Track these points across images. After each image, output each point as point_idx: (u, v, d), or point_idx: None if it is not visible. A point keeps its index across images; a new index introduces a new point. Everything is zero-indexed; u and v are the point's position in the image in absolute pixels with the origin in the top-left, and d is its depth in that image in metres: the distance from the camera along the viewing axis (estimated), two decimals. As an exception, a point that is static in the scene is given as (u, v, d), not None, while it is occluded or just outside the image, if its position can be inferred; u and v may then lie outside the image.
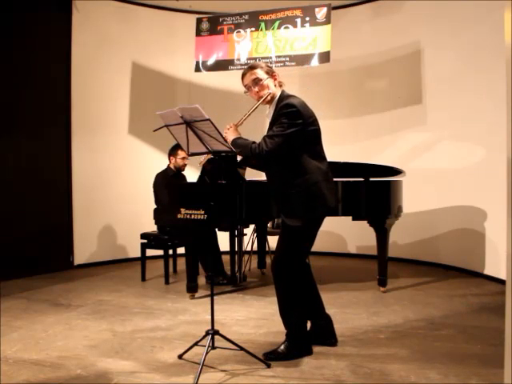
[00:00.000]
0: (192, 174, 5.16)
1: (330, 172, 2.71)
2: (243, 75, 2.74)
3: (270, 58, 5.19)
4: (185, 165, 4.86)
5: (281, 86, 2.74)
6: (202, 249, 4.40)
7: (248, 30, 5.35)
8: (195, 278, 4.09)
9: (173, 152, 4.79)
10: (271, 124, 2.66)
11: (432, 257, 5.45)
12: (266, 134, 2.65)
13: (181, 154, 4.70)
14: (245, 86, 2.75)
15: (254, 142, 2.63)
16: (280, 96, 2.68)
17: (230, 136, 2.69)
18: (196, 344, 2.63)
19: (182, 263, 4.62)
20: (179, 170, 4.87)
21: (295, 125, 2.55)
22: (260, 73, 2.68)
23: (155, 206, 4.72)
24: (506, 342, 1.68)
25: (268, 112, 2.75)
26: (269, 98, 2.67)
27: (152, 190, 4.84)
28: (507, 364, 1.69)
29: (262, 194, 3.83)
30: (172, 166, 4.84)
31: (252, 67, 2.72)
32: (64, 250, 5.47)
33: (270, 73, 2.71)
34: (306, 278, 2.78)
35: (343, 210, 3.97)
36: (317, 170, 2.62)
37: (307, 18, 5.13)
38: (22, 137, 5.01)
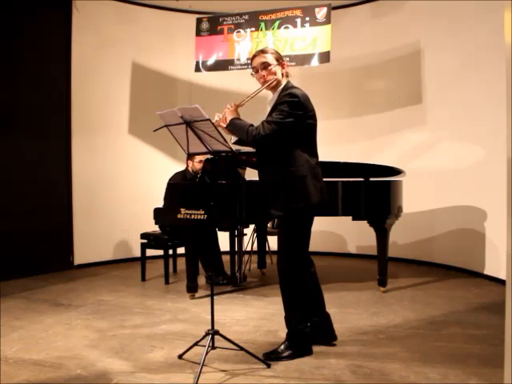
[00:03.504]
0: (192, 174, 5.17)
1: (319, 169, 2.72)
2: (253, 57, 2.77)
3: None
4: None
5: (287, 76, 2.77)
6: (202, 249, 4.40)
7: (248, 30, 5.36)
8: (195, 278, 4.09)
9: (190, 156, 4.77)
10: (271, 111, 2.69)
11: (432, 257, 5.45)
12: (264, 119, 2.67)
13: (197, 157, 4.70)
14: (253, 68, 2.78)
15: (251, 125, 2.65)
16: (285, 86, 2.70)
17: (229, 115, 2.73)
18: (196, 344, 2.63)
19: (182, 263, 4.62)
20: (197, 174, 4.84)
21: (294, 115, 2.58)
22: (270, 58, 2.71)
23: (155, 206, 4.71)
24: (506, 342, 1.68)
25: (271, 99, 2.77)
26: (274, 83, 2.70)
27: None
28: (507, 364, 1.69)
29: (262, 194, 3.82)
30: (190, 170, 4.83)
31: (263, 51, 2.76)
32: (64, 250, 5.46)
33: (280, 60, 2.74)
34: (308, 275, 2.78)
35: (343, 210, 3.96)
36: (306, 163, 2.63)
37: (307, 18, 5.13)
38: (21, 137, 5.00)
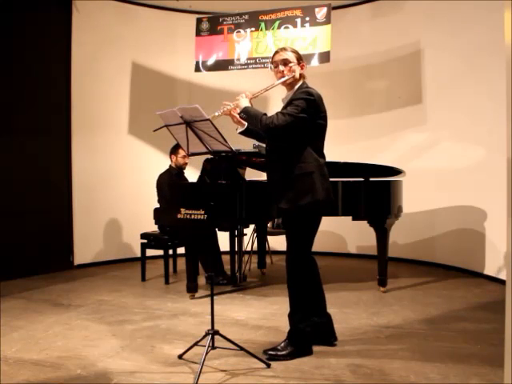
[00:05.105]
0: (192, 174, 5.17)
1: (326, 169, 2.75)
2: (276, 52, 2.84)
3: (270, 58, 5.20)
4: (186, 163, 4.88)
5: (304, 78, 2.83)
6: (202, 249, 4.40)
7: (248, 30, 5.35)
8: (195, 278, 4.09)
9: (174, 151, 4.81)
10: (286, 106, 2.73)
11: (432, 257, 5.45)
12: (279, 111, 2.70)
13: (181, 152, 4.72)
14: (272, 63, 2.84)
15: (265, 114, 2.69)
16: (301, 85, 2.76)
17: (243, 103, 2.76)
18: (196, 344, 2.63)
19: (182, 263, 4.62)
20: (181, 169, 4.89)
21: (308, 112, 2.63)
22: (291, 56, 2.78)
23: (155, 206, 4.72)
24: (506, 342, 1.68)
25: (285, 97, 2.82)
26: (290, 80, 2.75)
27: (154, 190, 4.84)
28: (507, 364, 1.69)
29: (262, 194, 3.83)
30: (173, 165, 4.86)
31: (285, 49, 2.84)
32: (64, 250, 5.46)
33: (300, 61, 2.80)
34: (311, 274, 2.79)
35: (343, 210, 3.96)
36: (314, 161, 2.68)
37: (307, 18, 5.13)
38: (22, 137, 5.00)
